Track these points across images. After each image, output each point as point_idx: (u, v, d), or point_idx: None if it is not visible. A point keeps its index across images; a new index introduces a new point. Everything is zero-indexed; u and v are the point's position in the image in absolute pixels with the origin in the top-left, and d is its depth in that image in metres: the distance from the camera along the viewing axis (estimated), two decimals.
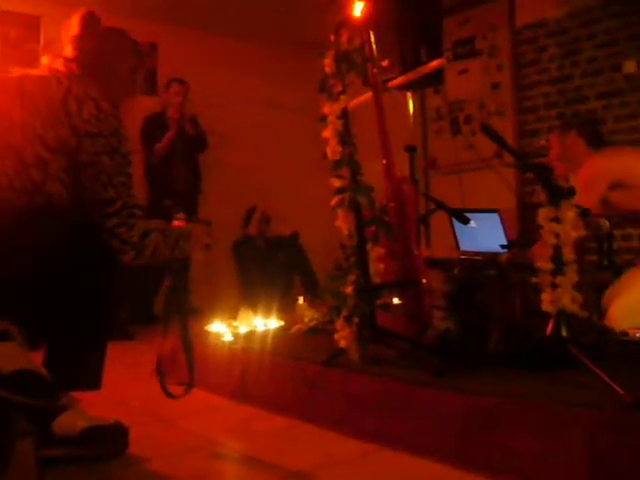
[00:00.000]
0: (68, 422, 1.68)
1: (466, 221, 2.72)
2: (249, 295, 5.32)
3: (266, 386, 2.33)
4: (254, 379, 2.40)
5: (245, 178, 5.62)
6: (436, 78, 4.15)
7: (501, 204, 4.25)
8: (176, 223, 1.91)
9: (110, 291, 1.76)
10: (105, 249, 1.71)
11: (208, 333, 2.91)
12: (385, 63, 3.82)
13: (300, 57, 5.28)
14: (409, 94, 4.14)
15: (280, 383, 2.28)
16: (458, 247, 3.22)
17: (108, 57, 1.89)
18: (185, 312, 1.95)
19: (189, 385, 1.95)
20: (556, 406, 1.55)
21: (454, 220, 3.10)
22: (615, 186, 2.72)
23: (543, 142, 4.52)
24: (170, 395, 1.93)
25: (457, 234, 3.23)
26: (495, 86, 5.43)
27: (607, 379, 1.60)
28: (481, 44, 5.53)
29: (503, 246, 2.84)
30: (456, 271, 2.42)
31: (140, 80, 4.52)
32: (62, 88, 1.73)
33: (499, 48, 5.41)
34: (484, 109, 5.44)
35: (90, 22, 1.89)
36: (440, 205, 2.69)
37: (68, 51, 1.87)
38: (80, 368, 1.74)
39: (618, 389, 1.55)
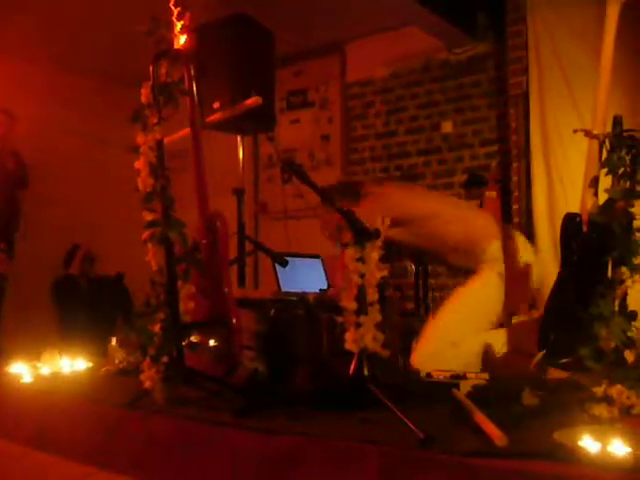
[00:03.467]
0: None
1: (284, 263, 2.74)
2: (68, 336, 5.02)
3: (63, 431, 2.16)
4: (51, 424, 2.22)
5: (70, 215, 5.35)
6: (268, 125, 4.23)
7: (327, 251, 4.35)
8: None
9: None
10: None
11: (6, 374, 2.67)
12: (216, 105, 3.84)
13: (126, 91, 5.16)
14: (239, 138, 4.19)
15: (78, 428, 2.12)
16: (280, 289, 3.24)
17: None
18: None
19: None
20: (350, 443, 1.55)
21: (276, 264, 3.12)
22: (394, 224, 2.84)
23: None
24: None
25: (279, 277, 3.24)
26: (325, 137, 5.62)
27: (402, 417, 1.63)
28: (313, 96, 5.73)
29: (322, 290, 2.90)
30: (272, 312, 2.40)
31: None
32: None
33: (330, 101, 5.63)
34: (314, 158, 5.60)
35: None
36: (259, 247, 2.69)
37: None
38: None
39: (412, 426, 1.58)
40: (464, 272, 2.81)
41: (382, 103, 5.43)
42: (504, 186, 4.73)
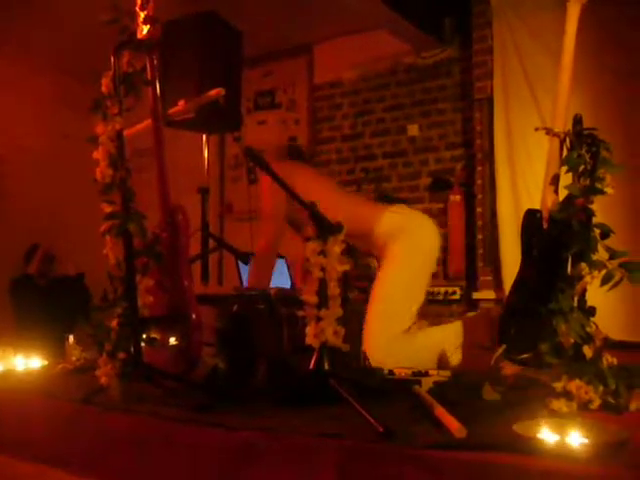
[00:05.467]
0: None
1: (246, 260, 2.71)
2: (25, 337, 4.91)
3: (13, 429, 2.10)
4: (0, 422, 2.16)
5: (29, 212, 5.24)
6: (234, 124, 4.19)
7: (294, 252, 4.33)
8: None
9: None
10: None
11: None
12: (181, 103, 3.79)
13: (87, 85, 5.07)
14: (204, 137, 4.15)
15: (30, 425, 2.06)
16: (242, 285, 3.21)
17: None
18: None
19: None
20: (310, 438, 1.53)
21: (239, 262, 3.10)
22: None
23: None
24: None
25: (242, 274, 3.22)
26: (292, 139, 5.61)
27: (362, 410, 1.62)
28: (281, 97, 5.71)
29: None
30: (235, 307, 2.37)
31: None
32: None
33: (298, 102, 5.62)
34: None
35: None
36: (221, 244, 2.66)
37: None
38: None
39: (371, 419, 1.56)
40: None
41: (349, 105, 5.44)
42: (468, 189, 4.77)
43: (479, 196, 4.65)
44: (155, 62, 2.22)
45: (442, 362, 2.53)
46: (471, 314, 2.92)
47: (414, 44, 5.05)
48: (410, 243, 2.66)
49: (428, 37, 4.93)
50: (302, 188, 2.72)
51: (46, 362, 2.83)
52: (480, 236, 4.60)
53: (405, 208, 2.85)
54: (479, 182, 4.66)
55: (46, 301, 5.39)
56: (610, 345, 1.82)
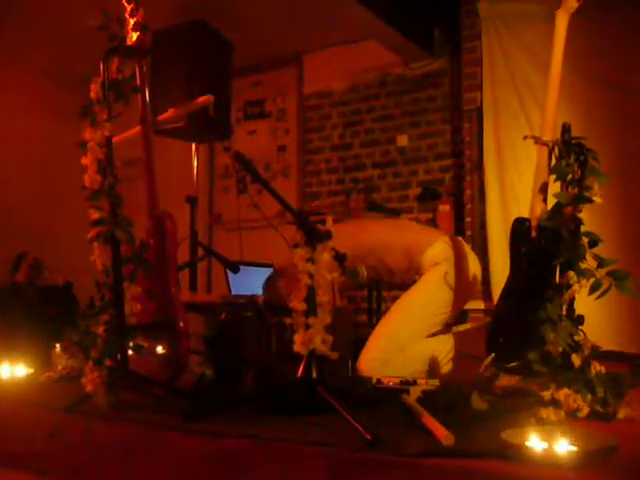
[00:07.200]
0: None
1: (235, 269, 2.70)
2: (11, 346, 4.86)
3: None
4: None
5: (18, 221, 5.20)
6: (224, 134, 4.19)
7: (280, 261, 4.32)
8: None
9: None
10: None
11: None
12: (171, 112, 3.78)
13: (74, 91, 5.06)
14: (194, 147, 4.14)
15: (13, 433, 2.04)
16: (230, 294, 3.21)
17: None
18: None
19: None
20: (297, 446, 1.52)
21: (228, 271, 3.08)
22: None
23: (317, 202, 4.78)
24: None
25: (230, 283, 3.21)
26: (281, 148, 5.61)
27: (349, 418, 1.61)
28: (271, 107, 5.72)
29: None
30: (223, 315, 2.36)
31: None
32: None
33: (287, 112, 5.63)
34: (270, 169, 5.58)
35: None
36: (210, 252, 2.65)
37: None
38: None
39: (359, 427, 1.55)
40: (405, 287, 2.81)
41: (339, 116, 5.45)
42: (457, 200, 4.79)
43: (468, 206, 4.66)
44: (144, 69, 2.22)
45: (433, 373, 2.52)
46: (462, 327, 2.90)
47: (403, 55, 5.07)
48: (446, 276, 2.64)
49: (417, 48, 4.94)
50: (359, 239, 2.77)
51: (32, 370, 2.80)
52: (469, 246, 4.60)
53: (455, 239, 2.86)
54: (468, 192, 4.67)
55: (34, 310, 5.33)
56: (598, 355, 1.82)
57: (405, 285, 2.84)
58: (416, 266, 2.69)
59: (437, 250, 2.69)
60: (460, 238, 2.99)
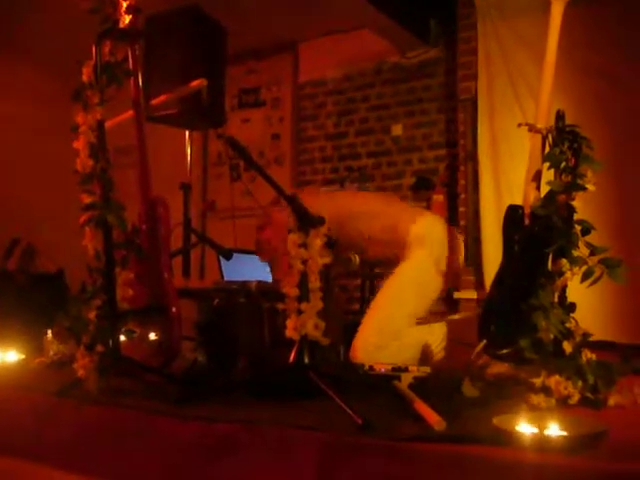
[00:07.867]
0: None
1: (228, 256, 2.69)
2: (3, 331, 4.85)
3: None
4: None
5: (10, 207, 5.17)
6: (218, 121, 4.17)
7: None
8: None
9: None
10: None
11: None
12: (164, 97, 3.75)
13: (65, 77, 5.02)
14: (187, 134, 4.12)
15: (4, 418, 2.03)
16: (222, 280, 3.20)
17: None
18: None
19: None
20: (289, 430, 1.52)
21: (221, 258, 3.07)
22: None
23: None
24: None
25: (223, 270, 3.20)
26: (275, 136, 5.59)
27: (341, 403, 1.61)
28: (265, 95, 5.69)
29: None
30: (215, 301, 2.35)
31: None
32: None
33: (282, 100, 5.60)
34: (264, 157, 5.56)
35: None
36: (203, 238, 2.64)
37: None
38: None
39: (350, 412, 1.56)
40: (385, 265, 2.78)
41: (333, 104, 5.43)
42: (451, 189, 4.78)
43: (462, 196, 4.66)
44: (137, 52, 2.20)
45: (426, 360, 2.52)
46: (455, 316, 2.90)
47: (399, 44, 5.05)
48: (433, 253, 2.62)
49: (413, 37, 4.93)
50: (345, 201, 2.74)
51: (23, 356, 2.79)
52: (462, 235, 4.61)
53: (441, 219, 2.84)
54: (462, 182, 4.67)
55: (25, 297, 5.32)
56: (589, 345, 1.83)
57: (381, 263, 2.82)
58: (400, 239, 2.64)
59: (424, 223, 2.67)
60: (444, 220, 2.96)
